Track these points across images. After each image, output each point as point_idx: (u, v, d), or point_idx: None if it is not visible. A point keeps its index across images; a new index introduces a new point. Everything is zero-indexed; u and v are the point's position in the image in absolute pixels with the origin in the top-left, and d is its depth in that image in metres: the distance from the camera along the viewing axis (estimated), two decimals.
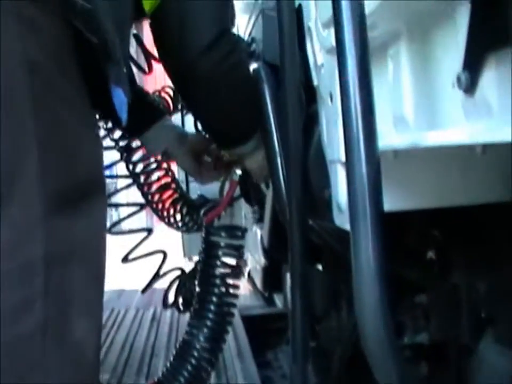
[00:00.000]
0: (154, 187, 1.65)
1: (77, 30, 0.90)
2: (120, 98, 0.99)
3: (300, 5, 1.18)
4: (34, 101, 0.85)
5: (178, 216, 1.68)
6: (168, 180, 1.65)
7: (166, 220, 1.69)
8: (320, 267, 1.74)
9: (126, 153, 1.58)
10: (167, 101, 1.66)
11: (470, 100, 0.63)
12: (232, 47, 1.15)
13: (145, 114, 1.43)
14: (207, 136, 1.46)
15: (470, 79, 0.61)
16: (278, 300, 2.70)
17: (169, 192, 1.67)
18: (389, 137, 0.86)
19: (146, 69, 1.48)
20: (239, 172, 1.48)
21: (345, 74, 0.71)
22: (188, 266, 1.72)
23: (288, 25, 1.05)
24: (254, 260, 2.56)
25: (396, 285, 0.78)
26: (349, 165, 0.73)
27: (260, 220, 2.23)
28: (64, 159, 0.89)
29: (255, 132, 1.32)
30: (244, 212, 2.44)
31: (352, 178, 0.73)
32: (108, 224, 1.66)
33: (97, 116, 1.35)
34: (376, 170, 0.72)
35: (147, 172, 1.62)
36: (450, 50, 0.68)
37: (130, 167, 1.62)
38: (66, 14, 0.89)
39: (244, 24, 2.04)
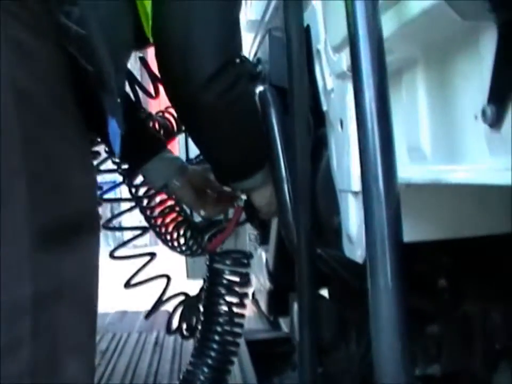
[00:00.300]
0: (158, 210, 1.61)
1: (73, 56, 0.86)
2: (114, 130, 0.95)
3: (308, 26, 1.14)
4: (23, 131, 0.81)
5: (182, 240, 1.64)
6: (172, 202, 1.61)
7: (170, 244, 1.65)
8: (325, 292, 1.70)
9: (128, 176, 1.55)
10: (171, 122, 1.62)
11: (495, 133, 0.59)
12: (236, 78, 1.10)
13: (145, 146, 1.39)
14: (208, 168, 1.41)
15: (496, 113, 0.57)
16: (283, 322, 2.65)
17: (172, 215, 1.63)
18: (403, 167, 0.82)
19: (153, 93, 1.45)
20: (244, 196, 1.43)
21: (362, 103, 0.67)
22: (192, 286, 1.68)
23: (297, 48, 1.01)
24: (259, 282, 2.52)
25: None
26: (367, 199, 0.68)
27: (264, 242, 2.19)
28: (55, 193, 0.85)
29: (262, 166, 1.26)
30: (248, 232, 2.40)
31: (370, 211, 0.68)
32: (111, 248, 1.64)
33: (98, 139, 1.33)
34: (396, 206, 0.68)
35: (150, 195, 1.59)
36: (472, 80, 0.64)
37: (133, 190, 1.58)
38: (60, 39, 0.85)
39: (249, 43, 2.01)
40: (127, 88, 1.37)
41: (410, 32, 0.70)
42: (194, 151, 1.71)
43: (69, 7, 0.88)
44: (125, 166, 1.54)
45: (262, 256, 2.32)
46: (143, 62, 1.38)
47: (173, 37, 1.05)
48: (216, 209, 1.45)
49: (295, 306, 1.34)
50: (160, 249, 1.74)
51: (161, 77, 1.15)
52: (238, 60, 1.13)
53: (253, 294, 2.86)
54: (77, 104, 0.91)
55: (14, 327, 0.80)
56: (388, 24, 0.69)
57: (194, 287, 1.66)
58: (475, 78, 0.63)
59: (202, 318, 1.43)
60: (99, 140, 1.32)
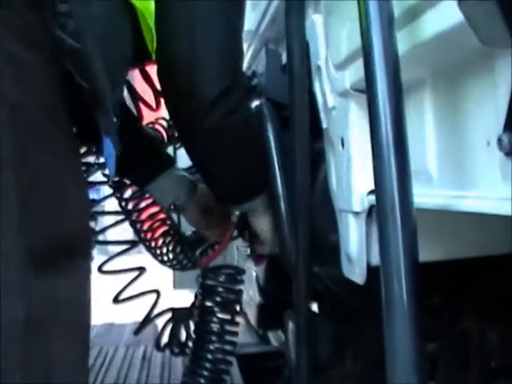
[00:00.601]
0: (148, 224, 1.59)
1: (69, 71, 0.84)
2: (109, 149, 0.92)
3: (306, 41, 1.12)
4: (14, 143, 0.78)
5: (171, 255, 1.61)
6: (163, 216, 1.58)
7: (160, 258, 1.62)
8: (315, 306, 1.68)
9: (118, 189, 1.52)
10: (161, 133, 1.60)
11: (510, 162, 0.57)
12: (239, 100, 1.07)
13: (152, 161, 1.34)
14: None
15: None
16: (272, 336, 2.63)
17: (163, 229, 1.60)
18: None
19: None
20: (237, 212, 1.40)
21: (377, 124, 0.64)
22: (179, 296, 1.65)
23: (299, 62, 0.99)
24: (248, 295, 2.49)
25: None
26: (383, 222, 0.66)
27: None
28: (47, 212, 0.82)
29: (262, 190, 1.21)
30: (237, 245, 2.37)
31: (386, 235, 0.66)
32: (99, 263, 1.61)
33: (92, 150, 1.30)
34: (413, 231, 0.66)
35: (140, 209, 1.56)
36: (485, 105, 0.62)
37: (123, 203, 1.55)
38: (54, 52, 0.83)
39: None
40: (129, 101, 1.34)
41: (422, 53, 0.68)
42: (185, 161, 1.68)
43: (65, 19, 0.85)
44: (116, 179, 1.51)
45: (252, 269, 2.29)
46: (145, 75, 1.34)
47: (177, 59, 1.02)
48: (218, 231, 1.41)
49: (290, 324, 1.32)
50: (146, 257, 1.71)
51: (163, 94, 1.12)
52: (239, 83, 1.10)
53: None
54: (69, 117, 0.88)
55: (5, 355, 0.77)
56: (399, 43, 0.67)
57: (181, 296, 1.63)
58: (488, 103, 0.61)
59: (194, 336, 1.40)
60: (94, 151, 1.29)
